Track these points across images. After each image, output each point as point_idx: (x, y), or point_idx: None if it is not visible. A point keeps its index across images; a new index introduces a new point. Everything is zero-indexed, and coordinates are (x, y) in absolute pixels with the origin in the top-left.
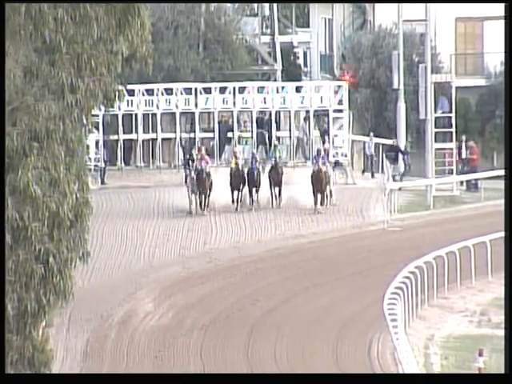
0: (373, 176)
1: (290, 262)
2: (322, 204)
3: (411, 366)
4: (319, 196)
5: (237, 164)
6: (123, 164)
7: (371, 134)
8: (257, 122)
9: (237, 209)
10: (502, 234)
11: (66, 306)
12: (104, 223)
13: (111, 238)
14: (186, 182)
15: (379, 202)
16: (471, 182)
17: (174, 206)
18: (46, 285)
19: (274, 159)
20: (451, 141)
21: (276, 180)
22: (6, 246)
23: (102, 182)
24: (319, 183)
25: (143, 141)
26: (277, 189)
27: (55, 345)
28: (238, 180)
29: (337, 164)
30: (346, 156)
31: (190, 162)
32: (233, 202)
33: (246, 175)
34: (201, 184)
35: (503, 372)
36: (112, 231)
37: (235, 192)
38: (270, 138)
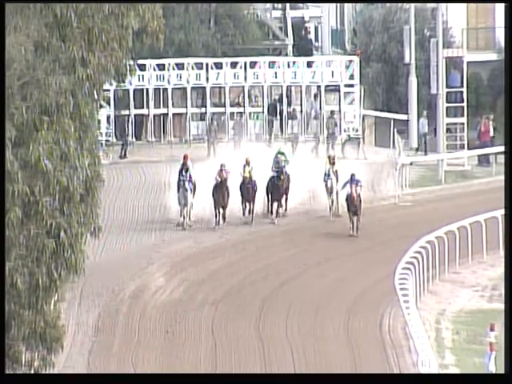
0: (426, 154)
1: (302, 236)
2: (357, 230)
3: (422, 340)
4: (355, 219)
5: (250, 174)
6: (134, 139)
7: (425, 112)
8: (268, 109)
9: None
10: None
11: (78, 280)
12: (115, 198)
13: (122, 213)
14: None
15: (390, 177)
16: (483, 157)
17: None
18: (57, 259)
19: (278, 168)
20: (462, 115)
21: (281, 192)
22: (17, 220)
23: (125, 156)
24: (353, 209)
25: (154, 116)
26: (282, 200)
27: (67, 319)
28: (249, 191)
29: (348, 139)
30: (357, 131)
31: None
32: (244, 214)
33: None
34: (220, 196)
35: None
36: (123, 206)
37: (247, 204)
38: (281, 112)
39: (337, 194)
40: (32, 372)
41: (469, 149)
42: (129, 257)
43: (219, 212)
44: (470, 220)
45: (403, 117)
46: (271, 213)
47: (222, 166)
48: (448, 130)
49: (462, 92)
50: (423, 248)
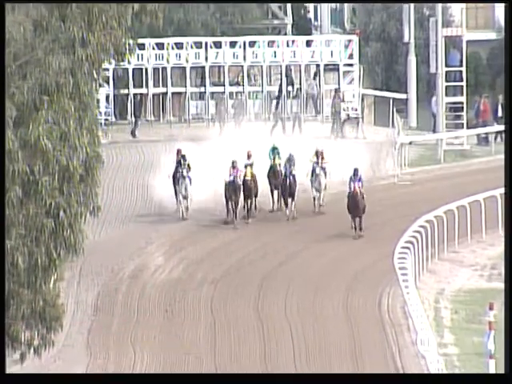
0: (434, 132)
1: (302, 216)
2: (360, 229)
3: (421, 319)
4: (357, 220)
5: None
6: (133, 118)
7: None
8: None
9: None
10: None
11: (77, 259)
12: (114, 177)
13: (121, 192)
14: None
15: (390, 156)
16: (482, 136)
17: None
18: (56, 239)
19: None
20: (462, 94)
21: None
22: (17, 199)
23: (133, 135)
24: (355, 207)
25: (153, 95)
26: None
27: (66, 298)
28: (251, 190)
29: (347, 118)
30: (356, 110)
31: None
32: (246, 213)
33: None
34: (233, 194)
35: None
36: (122, 185)
37: (249, 202)
38: (280, 91)
39: (324, 189)
40: (32, 351)
41: (468, 128)
42: (128, 236)
43: (233, 210)
44: (470, 199)
45: (402, 96)
46: (286, 207)
47: (233, 162)
48: (447, 109)
49: (461, 71)
50: (422, 227)
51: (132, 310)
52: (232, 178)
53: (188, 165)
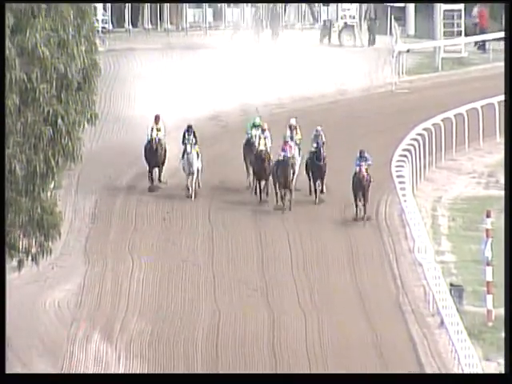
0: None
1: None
2: (364, 214)
3: (418, 227)
4: (361, 203)
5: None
6: (131, 26)
7: None
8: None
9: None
10: None
11: (75, 167)
12: (112, 86)
13: (119, 101)
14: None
15: (387, 64)
16: (480, 44)
17: (183, 67)
18: (54, 146)
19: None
20: (460, 1)
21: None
22: (14, 107)
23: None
24: (361, 190)
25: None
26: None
27: (64, 206)
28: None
29: (345, 26)
30: (353, 18)
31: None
32: (255, 193)
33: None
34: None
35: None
36: (120, 94)
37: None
38: None
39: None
40: (30, 258)
41: (466, 35)
42: (126, 144)
43: (282, 193)
44: (467, 107)
45: (400, 4)
46: (315, 192)
47: (285, 138)
48: (445, 17)
49: None
50: (420, 135)
51: (129, 217)
52: (284, 153)
53: (195, 137)
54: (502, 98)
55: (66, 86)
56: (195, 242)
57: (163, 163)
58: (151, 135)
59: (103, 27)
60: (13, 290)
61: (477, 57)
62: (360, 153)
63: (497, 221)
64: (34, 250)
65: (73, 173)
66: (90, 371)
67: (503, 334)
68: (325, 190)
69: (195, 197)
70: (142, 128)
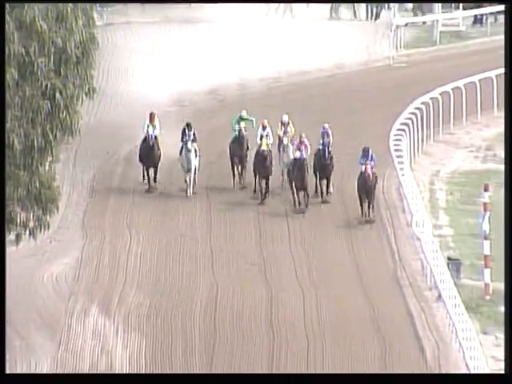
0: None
1: (295, 98)
2: (369, 214)
3: (416, 201)
4: (367, 203)
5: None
6: None
7: None
8: None
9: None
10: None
11: (73, 141)
12: (109, 60)
13: (117, 75)
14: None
15: (385, 38)
16: (477, 17)
17: (181, 41)
18: (52, 120)
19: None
20: None
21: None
22: (12, 81)
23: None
24: (366, 191)
25: None
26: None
27: (61, 180)
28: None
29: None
30: None
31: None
32: (254, 191)
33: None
34: (300, 176)
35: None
36: (118, 68)
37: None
38: None
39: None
40: (27, 232)
41: (464, 9)
42: (123, 119)
43: (298, 195)
44: (465, 81)
45: None
46: (321, 191)
47: (301, 136)
48: None
49: None
50: (418, 109)
51: (127, 192)
52: (299, 154)
53: (194, 134)
54: (499, 71)
55: (65, 60)
56: (193, 217)
57: (158, 163)
58: (147, 131)
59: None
60: (11, 264)
61: (475, 30)
62: (363, 150)
63: (494, 194)
64: (31, 224)
65: (71, 147)
66: (88, 345)
67: (501, 308)
68: (331, 190)
69: (192, 194)
70: (140, 102)
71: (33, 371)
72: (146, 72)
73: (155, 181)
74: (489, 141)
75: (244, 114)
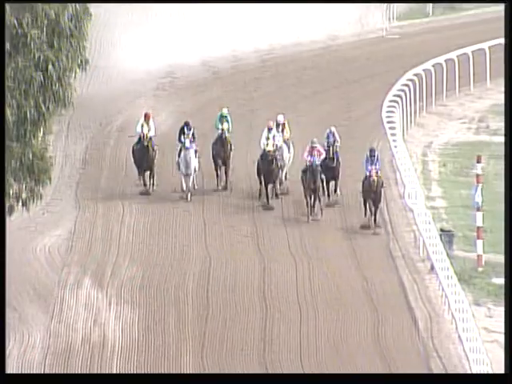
0: None
1: (288, 70)
2: (374, 222)
3: (409, 173)
4: (374, 209)
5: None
6: None
7: None
8: None
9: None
10: (501, 40)
11: (65, 113)
12: (102, 33)
13: (109, 48)
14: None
15: (378, 10)
16: None
17: (173, 13)
18: (45, 92)
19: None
20: None
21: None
22: (6, 53)
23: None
24: (372, 196)
25: None
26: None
27: (54, 152)
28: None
29: None
30: None
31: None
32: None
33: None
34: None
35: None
36: (111, 39)
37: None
38: None
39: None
40: (20, 204)
41: None
42: (116, 91)
43: (311, 201)
44: (458, 52)
45: None
46: (328, 193)
47: (312, 142)
48: None
49: None
50: (410, 81)
51: (120, 163)
52: (312, 159)
53: (193, 134)
54: (492, 43)
55: (58, 32)
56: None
57: (153, 165)
58: (142, 131)
59: None
60: None
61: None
62: (370, 151)
63: (487, 166)
64: (24, 196)
65: (63, 119)
66: (81, 317)
67: (493, 280)
68: (339, 192)
69: (191, 199)
70: (132, 75)
71: (25, 343)
72: (138, 44)
73: (153, 185)
74: (481, 112)
75: (225, 111)
